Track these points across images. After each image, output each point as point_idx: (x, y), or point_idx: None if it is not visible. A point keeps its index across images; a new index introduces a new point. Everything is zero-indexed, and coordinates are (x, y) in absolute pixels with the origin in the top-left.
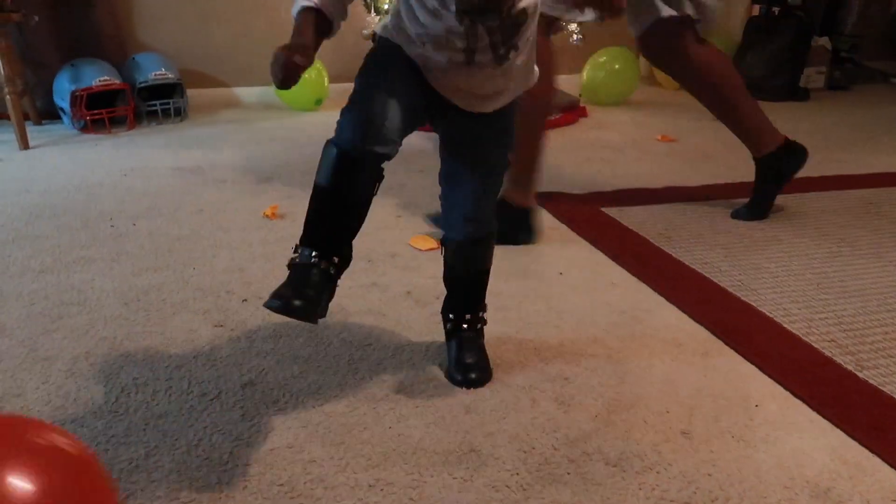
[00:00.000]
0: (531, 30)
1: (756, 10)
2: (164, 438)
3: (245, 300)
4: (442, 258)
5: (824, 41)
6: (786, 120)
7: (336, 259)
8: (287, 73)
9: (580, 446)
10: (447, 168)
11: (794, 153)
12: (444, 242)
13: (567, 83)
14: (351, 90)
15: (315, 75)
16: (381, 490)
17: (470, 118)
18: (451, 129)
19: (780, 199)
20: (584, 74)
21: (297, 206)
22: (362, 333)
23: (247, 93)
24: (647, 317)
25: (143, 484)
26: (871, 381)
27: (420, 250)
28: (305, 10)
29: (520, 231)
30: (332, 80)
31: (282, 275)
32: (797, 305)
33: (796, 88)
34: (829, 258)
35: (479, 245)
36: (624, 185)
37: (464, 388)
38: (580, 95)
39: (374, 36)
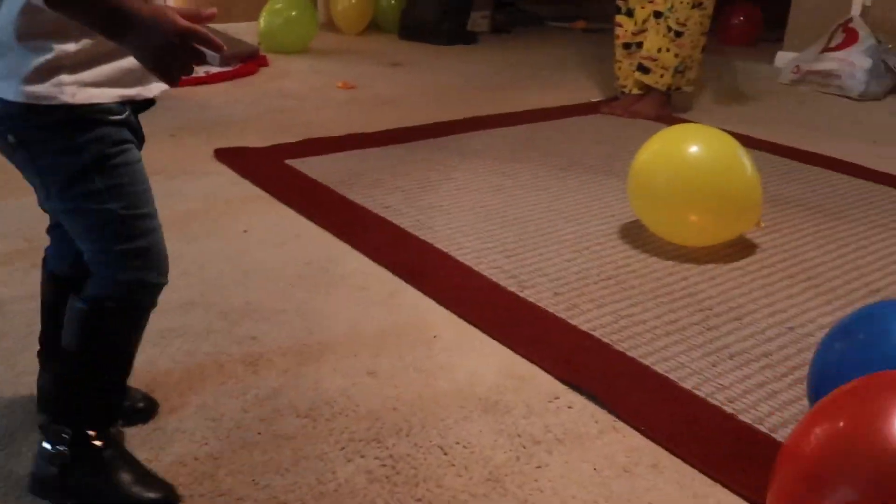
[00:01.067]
0: None
1: None
2: None
3: None
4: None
5: None
6: (456, 62)
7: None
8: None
9: (270, 404)
10: None
11: None
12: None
13: (245, 31)
14: None
15: None
16: None
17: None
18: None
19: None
20: (262, 21)
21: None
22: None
23: None
24: (332, 266)
25: None
26: (530, 300)
27: None
28: None
29: None
30: None
31: None
32: (468, 238)
33: (465, 32)
34: (493, 191)
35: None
36: (306, 134)
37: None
38: (259, 44)
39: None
